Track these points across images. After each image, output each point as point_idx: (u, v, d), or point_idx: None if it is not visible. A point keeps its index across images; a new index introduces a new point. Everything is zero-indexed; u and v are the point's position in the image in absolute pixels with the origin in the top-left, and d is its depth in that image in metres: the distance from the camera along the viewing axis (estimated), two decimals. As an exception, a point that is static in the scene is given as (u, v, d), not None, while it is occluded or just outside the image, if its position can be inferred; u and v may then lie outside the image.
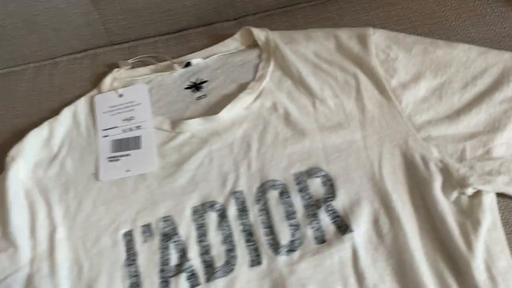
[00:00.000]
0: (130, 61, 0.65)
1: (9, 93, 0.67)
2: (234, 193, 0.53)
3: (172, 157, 0.56)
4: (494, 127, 0.53)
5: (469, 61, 0.57)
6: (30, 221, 0.54)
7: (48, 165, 0.57)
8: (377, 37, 0.60)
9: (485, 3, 0.64)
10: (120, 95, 0.61)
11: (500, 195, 0.50)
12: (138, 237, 0.52)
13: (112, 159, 0.57)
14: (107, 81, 0.63)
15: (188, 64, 0.63)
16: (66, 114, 0.61)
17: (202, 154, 0.56)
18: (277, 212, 0.52)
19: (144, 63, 0.66)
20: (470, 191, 0.49)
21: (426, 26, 0.64)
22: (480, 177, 0.50)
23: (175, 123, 0.58)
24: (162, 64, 0.65)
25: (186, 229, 0.52)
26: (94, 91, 0.62)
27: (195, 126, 0.58)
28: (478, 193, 0.50)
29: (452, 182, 0.50)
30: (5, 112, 0.65)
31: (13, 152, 0.57)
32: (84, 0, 0.62)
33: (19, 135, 0.62)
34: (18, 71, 0.69)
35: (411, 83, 0.56)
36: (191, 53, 0.66)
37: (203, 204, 0.53)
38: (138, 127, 0.59)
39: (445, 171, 0.51)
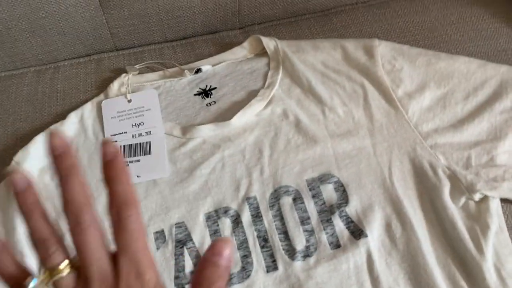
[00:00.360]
0: (137, 66, 0.65)
1: (10, 96, 0.64)
2: (247, 199, 0.53)
3: (183, 163, 0.56)
4: (496, 136, 0.55)
5: (469, 73, 0.59)
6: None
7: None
8: (383, 48, 0.62)
9: (481, 19, 0.68)
10: (129, 100, 0.60)
11: (503, 201, 0.53)
12: (151, 244, 0.51)
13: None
14: (115, 86, 0.62)
15: (198, 71, 0.63)
16: (72, 118, 0.59)
17: (214, 159, 0.56)
18: (292, 218, 0.52)
19: (151, 69, 0.66)
20: (477, 196, 0.51)
21: (428, 39, 0.66)
22: (486, 183, 0.52)
23: (186, 129, 0.58)
24: (171, 70, 0.64)
25: (200, 235, 0.52)
26: (101, 96, 0.61)
27: (206, 132, 0.58)
28: (485, 198, 0.52)
29: (460, 188, 0.52)
30: (7, 116, 0.63)
31: (18, 157, 0.56)
32: (93, 4, 0.62)
33: (21, 140, 0.60)
34: (18, 74, 0.67)
35: (416, 93, 0.58)
36: (197, 60, 0.66)
37: (216, 210, 0.53)
38: (148, 133, 0.58)
39: (453, 177, 0.53)
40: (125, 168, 0.28)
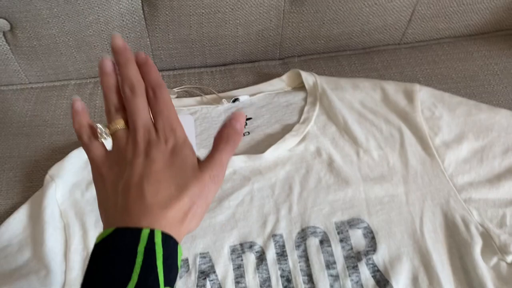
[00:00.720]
0: (176, 90, 0.66)
1: (49, 108, 0.66)
2: (274, 236, 0.53)
3: (213, 193, 0.56)
4: (534, 196, 0.53)
5: (510, 127, 0.58)
6: (64, 244, 0.53)
7: (86, 188, 0.57)
8: (423, 94, 0.61)
9: (526, 72, 0.67)
10: (166, 124, 0.61)
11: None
12: (174, 272, 0.51)
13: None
14: (153, 108, 0.63)
15: (236, 100, 0.63)
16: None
17: (243, 192, 0.56)
18: (317, 261, 0.51)
19: (189, 93, 0.67)
20: (510, 258, 0.50)
21: (469, 88, 0.65)
22: (521, 246, 0.50)
23: (219, 158, 0.58)
24: (208, 96, 0.65)
25: (224, 268, 0.51)
26: (138, 117, 0.62)
27: (238, 163, 0.58)
28: (518, 261, 0.50)
29: (493, 247, 0.50)
30: (45, 127, 0.64)
31: (53, 170, 0.57)
32: (140, 26, 0.63)
33: (57, 152, 0.62)
34: (59, 86, 0.69)
35: (454, 143, 0.57)
36: (235, 87, 0.67)
37: (241, 244, 0.53)
38: (181, 158, 0.58)
39: (486, 235, 0.51)
40: (150, 61, 0.40)
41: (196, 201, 0.36)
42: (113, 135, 0.38)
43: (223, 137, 0.38)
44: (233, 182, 0.57)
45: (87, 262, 0.48)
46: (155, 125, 0.38)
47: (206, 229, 0.54)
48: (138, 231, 0.33)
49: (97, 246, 0.34)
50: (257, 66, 0.71)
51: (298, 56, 0.72)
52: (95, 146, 0.39)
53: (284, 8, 0.63)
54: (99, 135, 0.39)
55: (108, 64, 0.39)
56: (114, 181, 0.37)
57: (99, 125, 0.39)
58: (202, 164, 0.38)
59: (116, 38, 0.39)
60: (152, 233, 0.33)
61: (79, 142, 0.60)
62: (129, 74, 0.38)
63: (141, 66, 0.40)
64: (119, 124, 0.38)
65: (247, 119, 0.63)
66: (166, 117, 0.38)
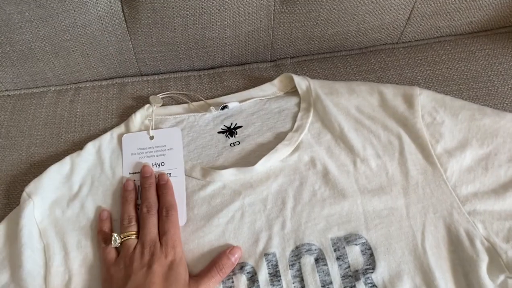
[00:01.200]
0: (161, 96, 0.62)
1: (27, 118, 0.62)
2: (266, 255, 0.50)
3: (201, 209, 0.53)
4: (543, 208, 0.50)
5: (516, 132, 0.55)
6: (44, 267, 0.50)
7: (67, 205, 0.53)
8: (424, 98, 0.57)
9: (533, 72, 0.63)
10: (151, 137, 0.57)
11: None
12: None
13: (137, 206, 0.53)
14: (137, 118, 0.59)
15: (225, 107, 0.59)
16: (90, 149, 0.56)
17: (233, 207, 0.52)
18: (312, 281, 0.48)
19: (175, 100, 0.63)
20: (518, 276, 0.47)
21: (472, 90, 0.61)
22: (529, 262, 0.47)
23: (207, 171, 0.54)
24: (195, 104, 0.61)
25: (213, 291, 0.48)
26: (121, 127, 0.58)
27: (227, 176, 0.54)
28: (526, 279, 0.47)
29: (500, 263, 0.47)
30: (22, 139, 0.60)
31: (30, 187, 0.53)
32: (121, 29, 0.59)
33: (36, 166, 0.58)
34: (38, 93, 0.65)
35: (457, 150, 0.54)
36: (224, 91, 0.63)
37: (232, 265, 0.50)
38: (168, 175, 0.55)
39: (492, 251, 0.48)
40: (169, 184, 0.54)
41: None
42: (124, 243, 0.49)
43: (219, 265, 0.47)
44: (222, 197, 0.53)
45: (69, 286, 0.46)
46: (160, 239, 0.49)
47: (194, 250, 0.50)
48: None
49: None
50: (248, 69, 0.67)
51: (291, 57, 0.68)
52: (109, 249, 0.49)
53: (274, 8, 0.59)
54: (112, 241, 0.49)
55: (131, 184, 0.53)
56: (119, 282, 0.46)
57: (114, 235, 0.49)
58: (192, 281, 0.46)
59: (146, 166, 0.54)
60: None
61: (59, 155, 0.58)
62: (149, 196, 0.52)
63: (160, 186, 0.53)
64: (131, 235, 0.49)
65: (237, 127, 0.59)
66: (171, 235, 0.49)
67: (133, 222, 0.50)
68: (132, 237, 0.49)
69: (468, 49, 0.66)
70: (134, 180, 0.54)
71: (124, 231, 0.49)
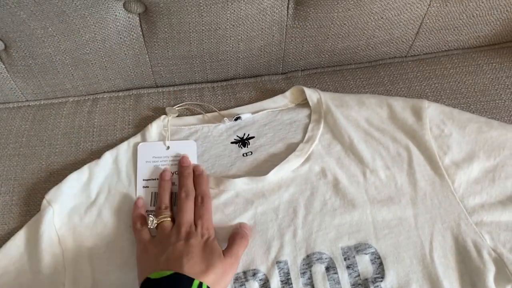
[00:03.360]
0: (176, 107, 0.64)
1: (47, 127, 0.64)
2: (278, 262, 0.51)
3: (215, 217, 0.54)
4: (549, 219, 0.51)
5: (523, 144, 0.56)
6: (63, 272, 0.51)
7: (85, 212, 0.55)
8: (432, 111, 0.59)
9: (539, 85, 0.64)
10: (167, 147, 0.59)
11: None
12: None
13: (150, 213, 0.55)
14: (153, 128, 0.61)
15: (238, 118, 0.61)
16: (107, 158, 0.58)
17: (246, 216, 0.54)
18: (323, 289, 0.50)
19: (189, 110, 0.65)
20: (525, 286, 0.48)
21: (479, 103, 0.63)
22: (536, 273, 0.48)
23: (220, 181, 0.56)
24: (209, 115, 0.63)
25: (226, 298, 0.50)
26: (137, 137, 0.60)
27: (240, 185, 0.56)
28: (533, 290, 0.48)
29: (507, 274, 0.48)
30: (42, 148, 0.62)
31: (50, 195, 0.55)
32: (138, 44, 0.61)
33: (55, 174, 0.60)
34: (57, 104, 0.67)
35: (464, 162, 0.55)
36: (237, 103, 0.65)
37: (245, 272, 0.51)
38: (182, 183, 0.56)
39: (499, 261, 0.49)
40: (204, 174, 0.57)
41: (218, 278, 0.47)
42: (160, 224, 0.52)
43: (240, 233, 0.51)
44: (235, 206, 0.55)
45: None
46: (195, 222, 0.52)
47: (208, 257, 0.52)
48: (191, 280, 0.45)
49: (152, 281, 0.45)
50: (260, 81, 0.69)
51: (302, 70, 0.70)
52: (144, 231, 0.52)
53: (286, 23, 0.61)
54: (149, 222, 0.52)
55: (168, 174, 0.57)
56: (157, 254, 0.48)
57: (150, 216, 0.52)
58: (225, 253, 0.49)
59: (185, 157, 0.58)
60: (200, 284, 0.45)
61: (78, 163, 0.60)
62: (187, 183, 0.55)
63: (196, 176, 0.56)
64: (166, 217, 0.52)
65: (250, 138, 0.61)
66: (205, 219, 0.52)
67: (169, 208, 0.53)
68: (168, 219, 0.52)
69: (476, 63, 0.67)
70: (148, 187, 0.57)
71: (160, 214, 0.52)
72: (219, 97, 0.66)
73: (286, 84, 0.68)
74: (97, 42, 0.59)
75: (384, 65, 0.69)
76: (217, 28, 0.59)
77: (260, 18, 0.59)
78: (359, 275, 0.50)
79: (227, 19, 0.58)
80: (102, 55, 0.61)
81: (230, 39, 0.61)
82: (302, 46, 0.65)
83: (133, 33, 0.59)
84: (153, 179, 0.57)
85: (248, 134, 0.61)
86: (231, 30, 0.60)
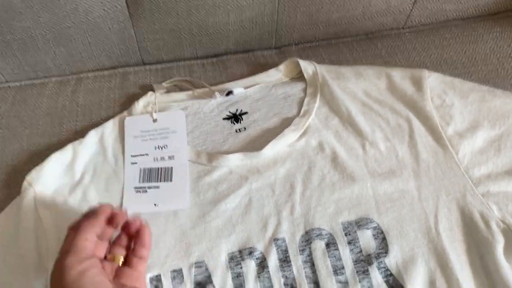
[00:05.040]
0: (165, 84, 0.61)
1: (28, 108, 0.61)
2: (275, 240, 0.48)
3: (207, 194, 0.51)
4: (558, 187, 0.49)
5: (528, 113, 0.53)
6: (45, 254, 0.48)
7: (69, 193, 0.52)
8: (432, 80, 0.56)
9: (542, 53, 0.62)
10: (154, 120, 0.56)
11: None
12: (167, 283, 0.47)
13: (139, 189, 0.52)
14: (140, 104, 0.58)
15: (229, 93, 0.58)
16: (92, 137, 0.55)
17: (241, 193, 0.51)
18: (324, 266, 0.47)
19: (178, 88, 0.62)
20: (536, 257, 0.45)
21: (481, 73, 0.60)
22: (546, 243, 0.46)
23: (213, 156, 0.53)
24: (200, 90, 0.60)
25: (221, 278, 0.47)
26: (124, 114, 0.57)
27: (234, 161, 0.53)
28: (544, 260, 0.45)
29: (516, 245, 0.46)
30: (23, 129, 0.59)
31: (31, 176, 0.52)
32: (123, 16, 0.58)
33: (37, 156, 0.56)
34: (39, 84, 0.64)
35: (467, 132, 0.53)
36: (228, 80, 0.62)
37: (240, 251, 0.48)
38: (170, 157, 0.54)
39: (508, 232, 0.47)
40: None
41: None
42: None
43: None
44: (229, 182, 0.52)
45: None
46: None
47: (201, 235, 0.49)
48: None
49: None
50: (252, 56, 0.66)
51: (296, 44, 0.67)
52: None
53: (278, -9, 0.58)
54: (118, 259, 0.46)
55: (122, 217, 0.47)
56: None
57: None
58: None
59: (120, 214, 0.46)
60: None
61: (61, 144, 0.57)
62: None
63: (138, 230, 0.47)
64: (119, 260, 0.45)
65: (242, 113, 0.58)
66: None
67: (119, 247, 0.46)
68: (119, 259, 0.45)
69: (476, 32, 0.65)
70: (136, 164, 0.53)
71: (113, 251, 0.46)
72: (210, 73, 0.63)
73: (280, 58, 0.65)
74: (79, 14, 0.56)
75: (382, 37, 0.66)
76: (206, -3, 0.56)
77: (251, -14, 0.56)
78: (361, 251, 0.47)
79: (216, -14, 0.55)
80: (85, 28, 0.58)
81: (220, 9, 0.58)
82: (296, 17, 0.62)
83: (117, 3, 0.56)
84: (142, 155, 0.54)
85: (241, 110, 0.58)
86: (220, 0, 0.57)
